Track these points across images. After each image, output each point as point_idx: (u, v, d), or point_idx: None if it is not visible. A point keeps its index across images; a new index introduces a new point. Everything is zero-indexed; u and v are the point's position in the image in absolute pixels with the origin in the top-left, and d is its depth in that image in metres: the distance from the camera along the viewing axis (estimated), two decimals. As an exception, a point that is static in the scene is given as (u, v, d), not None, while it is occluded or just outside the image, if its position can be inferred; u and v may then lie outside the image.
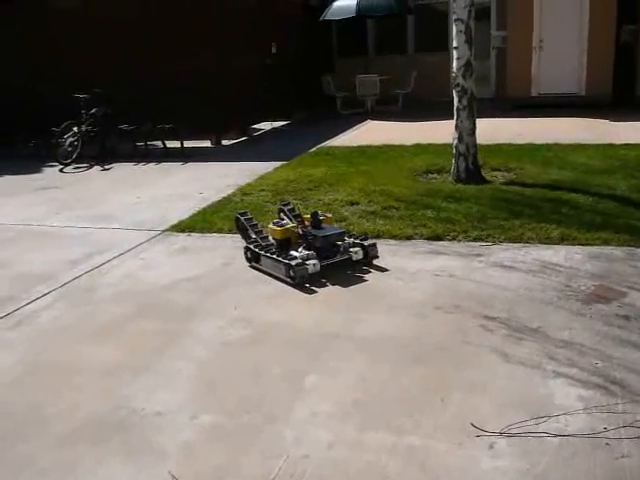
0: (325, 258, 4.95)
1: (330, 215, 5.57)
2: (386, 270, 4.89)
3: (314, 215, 5.23)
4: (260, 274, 5.01)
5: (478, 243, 5.32)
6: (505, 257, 4.97)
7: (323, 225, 5.20)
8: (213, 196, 7.59)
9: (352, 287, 4.64)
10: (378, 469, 2.73)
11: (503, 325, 3.88)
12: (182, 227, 6.40)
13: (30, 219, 7.15)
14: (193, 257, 5.54)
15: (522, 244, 5.23)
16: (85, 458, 2.93)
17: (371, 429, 2.99)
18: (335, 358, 3.65)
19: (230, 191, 7.75)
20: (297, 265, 4.72)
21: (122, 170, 9.93)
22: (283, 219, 5.43)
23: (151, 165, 10.11)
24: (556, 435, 2.85)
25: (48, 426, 3.19)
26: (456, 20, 7.27)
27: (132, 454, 2.94)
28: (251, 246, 5.26)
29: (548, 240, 5.26)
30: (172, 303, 4.57)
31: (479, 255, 5.04)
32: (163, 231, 6.34)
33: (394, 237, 5.62)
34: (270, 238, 5.28)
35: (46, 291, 4.94)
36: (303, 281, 4.74)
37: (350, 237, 5.24)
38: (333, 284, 4.74)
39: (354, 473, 2.71)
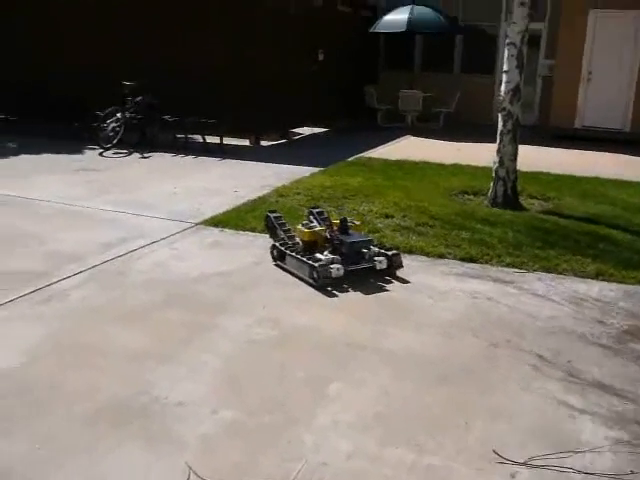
0: (350, 264, 4.97)
1: (359, 223, 5.60)
2: (415, 285, 4.86)
3: (343, 221, 5.27)
4: (289, 276, 5.00)
5: (512, 269, 5.26)
6: (539, 287, 4.90)
7: (350, 232, 5.24)
8: (248, 194, 7.61)
9: (378, 298, 4.62)
10: (396, 485, 2.70)
11: (533, 355, 3.82)
12: (215, 222, 6.43)
13: (68, 198, 7.23)
14: (224, 252, 5.56)
15: (556, 275, 5.16)
16: (105, 439, 2.94)
17: (391, 444, 2.96)
18: (360, 369, 3.63)
19: (265, 191, 7.77)
20: (321, 267, 4.75)
21: (161, 160, 10.02)
22: (312, 222, 5.47)
23: (189, 158, 10.18)
24: (580, 472, 2.80)
25: (70, 405, 3.21)
26: (509, 44, 7.23)
27: (151, 441, 2.94)
28: (277, 244, 5.30)
29: (583, 274, 5.18)
30: (201, 296, 4.59)
31: (512, 282, 4.98)
32: (197, 224, 6.37)
33: (427, 254, 5.58)
34: (297, 239, 5.34)
35: (77, 270, 4.99)
36: (326, 284, 4.76)
37: (375, 246, 5.26)
38: (355, 291, 4.76)
39: (372, 486, 2.69)
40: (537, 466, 2.83)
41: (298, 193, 7.66)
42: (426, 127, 13.88)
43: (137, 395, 3.29)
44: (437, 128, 13.91)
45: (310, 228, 5.29)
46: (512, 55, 7.15)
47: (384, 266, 5.06)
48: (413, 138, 12.87)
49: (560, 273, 5.19)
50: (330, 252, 5.11)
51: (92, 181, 8.26)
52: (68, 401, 3.24)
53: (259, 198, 7.44)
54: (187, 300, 4.51)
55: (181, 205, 7.11)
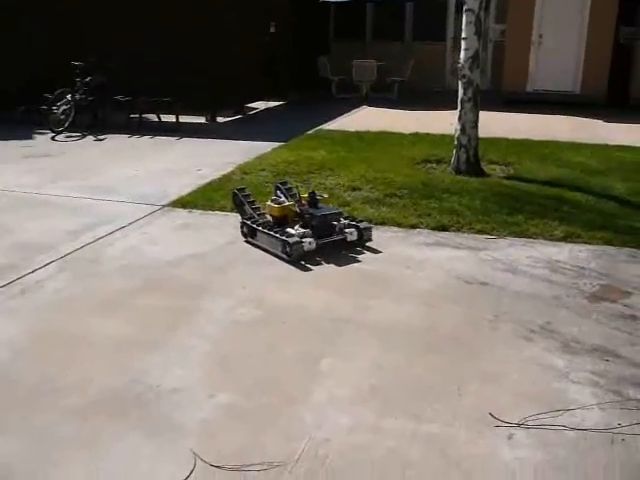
0: (320, 237, 5.01)
1: (326, 196, 5.62)
2: (391, 256, 4.91)
3: (312, 194, 5.30)
4: (264, 254, 4.99)
5: (483, 236, 5.35)
6: (511, 252, 5.01)
7: (320, 205, 5.27)
8: (212, 173, 7.53)
9: (354, 270, 4.66)
10: (400, 455, 2.75)
11: (513, 319, 3.92)
12: (183, 203, 6.35)
13: (25, 186, 7.02)
14: (196, 234, 5.50)
15: (526, 239, 5.27)
16: (105, 432, 2.91)
17: (390, 415, 3.01)
18: (348, 343, 3.66)
19: (229, 169, 7.70)
20: (294, 243, 4.78)
21: (116, 142, 9.80)
22: (280, 197, 5.47)
23: (146, 138, 9.99)
24: (573, 429, 2.90)
25: (63, 398, 3.16)
26: (466, 10, 7.25)
27: (152, 430, 2.92)
28: (248, 222, 5.29)
29: (552, 237, 5.31)
30: (179, 279, 4.54)
31: (485, 249, 5.07)
32: (164, 206, 6.28)
33: (399, 225, 5.63)
34: (267, 215, 5.33)
35: (48, 261, 4.87)
36: (299, 258, 4.80)
37: (345, 219, 5.31)
38: (330, 264, 4.81)
39: (377, 458, 2.73)
40: (531, 426, 2.92)
41: (262, 169, 7.61)
42: (381, 97, 13.88)
43: (130, 384, 3.26)
44: (393, 97, 13.92)
45: (279, 203, 5.29)
46: (470, 22, 7.18)
47: (355, 237, 5.12)
48: (370, 108, 12.89)
49: (530, 237, 5.30)
50: (301, 226, 5.14)
51: (47, 167, 8.03)
52: (60, 394, 3.19)
53: (223, 176, 7.36)
54: (166, 284, 4.46)
55: (144, 187, 6.99)
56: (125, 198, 6.57)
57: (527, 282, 4.45)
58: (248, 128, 10.94)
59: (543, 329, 3.81)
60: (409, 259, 4.87)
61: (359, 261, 4.87)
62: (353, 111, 12.42)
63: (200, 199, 6.42)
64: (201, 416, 3.01)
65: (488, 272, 4.60)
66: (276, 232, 5.00)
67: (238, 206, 5.63)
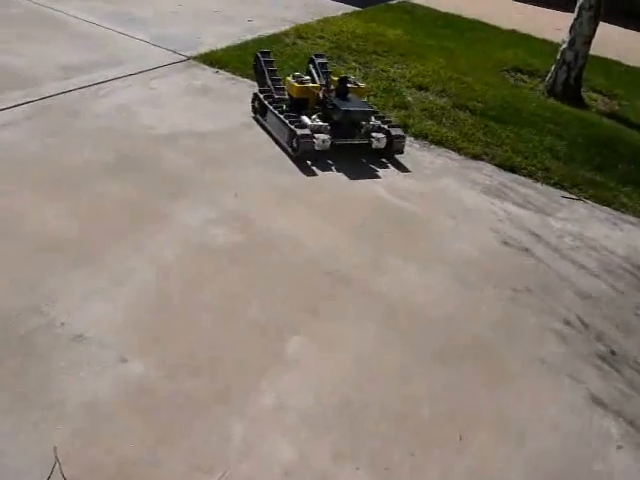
0: (340, 136, 4.03)
1: (364, 85, 4.50)
2: (435, 192, 3.83)
3: (342, 80, 4.17)
4: (280, 152, 3.96)
5: (559, 191, 4.19)
6: (588, 225, 3.86)
7: (350, 95, 4.16)
8: (263, 28, 6.35)
9: (376, 198, 3.60)
10: None
11: (562, 322, 2.89)
12: (213, 58, 5.26)
13: (45, -5, 5.99)
14: (211, 104, 4.46)
15: (612, 211, 4.10)
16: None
17: (351, 461, 2.11)
18: (336, 316, 2.70)
19: (284, 27, 6.49)
20: (303, 137, 3.80)
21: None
22: (310, 73, 4.40)
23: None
24: None
25: None
26: None
27: (20, 402, 2.08)
28: (261, 95, 4.27)
29: (645, 214, 4.13)
30: (162, 164, 3.58)
31: (555, 212, 3.93)
32: (189, 58, 5.21)
33: (458, 150, 4.49)
34: (286, 93, 4.29)
35: (22, 100, 3.97)
36: (306, 157, 3.90)
37: (377, 119, 4.26)
38: (344, 176, 3.86)
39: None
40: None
41: (321, 37, 6.37)
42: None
43: (25, 312, 2.41)
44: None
45: (301, 82, 4.20)
46: None
47: (382, 145, 4.12)
48: (472, -12, 11.09)
49: (617, 209, 4.12)
50: (320, 117, 4.10)
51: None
52: None
53: (274, 35, 6.18)
54: (141, 168, 3.51)
55: (179, 28, 5.90)
56: (149, 37, 5.51)
57: (594, 279, 3.36)
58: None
59: (615, 357, 2.78)
60: (457, 202, 3.79)
61: (384, 184, 3.82)
62: (452, -13, 10.68)
63: (235, 58, 5.31)
64: (89, 396, 2.13)
65: (550, 250, 3.51)
66: (287, 117, 4.00)
67: (258, 73, 4.55)
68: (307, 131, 3.86)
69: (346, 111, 3.97)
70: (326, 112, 4.08)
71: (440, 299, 2.93)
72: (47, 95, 4.09)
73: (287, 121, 3.96)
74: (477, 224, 3.61)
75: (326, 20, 6.99)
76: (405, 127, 4.61)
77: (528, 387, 2.54)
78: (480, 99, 5.44)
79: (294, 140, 3.85)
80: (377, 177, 3.92)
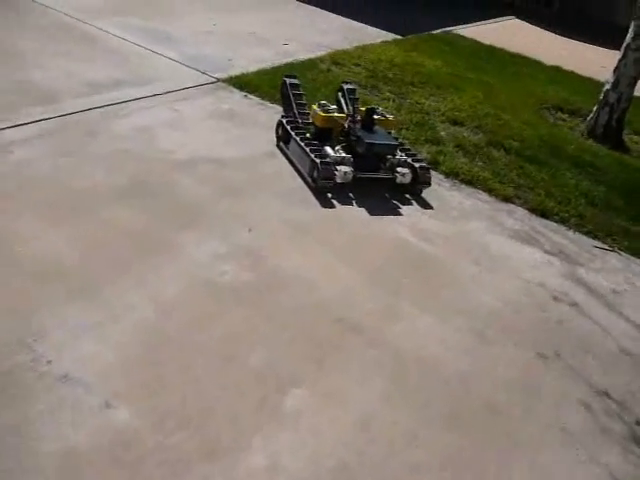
0: (364, 169, 3.88)
1: (392, 117, 4.32)
2: (460, 235, 3.64)
3: (369, 111, 4.02)
4: (302, 185, 3.81)
5: (591, 241, 3.97)
6: (621, 279, 3.63)
7: (376, 128, 4.02)
8: (298, 52, 6.25)
9: (397, 239, 3.42)
10: None
11: (593, 396, 2.67)
12: (244, 82, 5.15)
13: (76, 9, 5.97)
14: (236, 129, 4.34)
15: (649, 264, 3.86)
16: None
17: None
18: (344, 369, 2.53)
19: (320, 53, 6.38)
20: (323, 165, 3.66)
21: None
22: (338, 101, 4.26)
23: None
24: None
25: None
26: None
27: (-12, 444, 1.95)
28: (284, 121, 4.15)
29: (685, 270, 3.87)
30: (176, 190, 3.46)
31: (586, 263, 3.71)
32: (219, 80, 5.11)
33: (489, 191, 4.29)
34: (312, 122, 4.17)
35: (40, 117, 3.89)
36: (326, 189, 3.75)
37: (404, 152, 4.12)
38: (365, 212, 3.71)
39: None
40: None
41: (357, 64, 6.25)
42: (536, 10, 11.79)
43: (12, 346, 2.28)
44: (549, 14, 11.80)
45: (327, 111, 4.06)
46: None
47: (407, 181, 3.96)
48: (518, 21, 10.90)
49: (655, 263, 3.88)
50: (343, 148, 3.96)
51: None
52: None
53: (309, 60, 6.07)
54: (153, 194, 3.38)
55: (211, 49, 5.82)
56: (181, 56, 5.44)
57: (625, 340, 3.13)
58: (372, 5, 9.32)
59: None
60: (481, 248, 3.59)
61: (407, 224, 3.64)
62: (497, 19, 10.50)
63: (265, 82, 5.19)
64: (69, 443, 1.99)
65: (580, 305, 3.29)
66: (309, 145, 3.87)
67: (284, 99, 4.43)
68: (328, 161, 3.72)
69: (370, 144, 3.82)
70: (350, 143, 3.94)
71: (455, 355, 2.73)
72: (67, 112, 4.02)
73: (308, 149, 3.82)
74: (502, 272, 3.41)
75: (364, 47, 6.87)
76: (435, 164, 4.44)
77: (541, 460, 2.32)
78: (516, 137, 5.24)
79: (315, 171, 3.71)
80: (400, 215, 3.75)
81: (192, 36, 6.03)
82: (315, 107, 4.10)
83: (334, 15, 8.13)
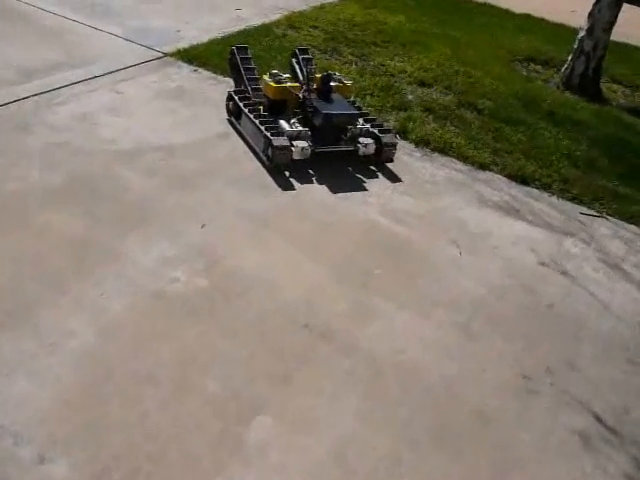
0: (322, 142, 3.56)
1: (350, 83, 4.00)
2: (434, 212, 3.34)
3: (325, 77, 3.68)
4: (260, 168, 3.48)
5: (577, 206, 3.70)
6: (612, 248, 3.37)
7: (334, 96, 3.68)
8: (252, 17, 5.84)
9: (365, 221, 3.12)
10: None
11: (600, 389, 2.42)
12: (193, 55, 4.76)
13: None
14: (185, 109, 3.97)
15: (638, 228, 3.60)
16: None
17: None
18: (313, 384, 2.24)
19: (276, 16, 5.97)
20: (279, 147, 3.35)
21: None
22: (294, 70, 3.92)
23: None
24: None
25: None
26: None
27: None
28: (236, 97, 3.79)
29: (677, 232, 3.62)
30: (119, 186, 3.10)
31: (574, 233, 3.44)
32: (166, 54, 4.71)
33: (464, 159, 3.99)
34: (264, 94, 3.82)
35: (-37, 111, 3.49)
36: (282, 167, 3.45)
37: (366, 121, 3.78)
38: (327, 190, 3.40)
39: None
40: None
41: (315, 26, 5.85)
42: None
43: None
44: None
45: (278, 81, 3.72)
46: None
47: (370, 151, 3.64)
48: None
49: (645, 226, 3.63)
50: (299, 121, 3.63)
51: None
52: None
53: (263, 25, 5.66)
54: (93, 193, 3.03)
55: (158, 20, 5.40)
56: (124, 30, 5.01)
57: (619, 324, 2.87)
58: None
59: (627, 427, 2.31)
60: (459, 226, 3.30)
61: (376, 204, 3.34)
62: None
63: (216, 54, 4.80)
64: (-6, 515, 1.70)
65: (570, 284, 3.02)
66: (263, 121, 3.53)
67: (234, 71, 4.06)
68: (283, 140, 3.38)
69: (327, 115, 3.49)
70: (306, 115, 3.60)
71: (437, 357, 2.46)
72: (-3, 104, 3.62)
73: (261, 125, 3.48)
74: (483, 253, 3.12)
75: (322, 7, 6.46)
76: (404, 132, 4.12)
77: (543, 476, 2.07)
78: (489, 96, 4.93)
79: (269, 149, 3.39)
80: (367, 193, 3.44)
81: (137, 6, 5.58)
82: (266, 77, 3.75)
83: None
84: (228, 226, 2.96)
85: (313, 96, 3.60)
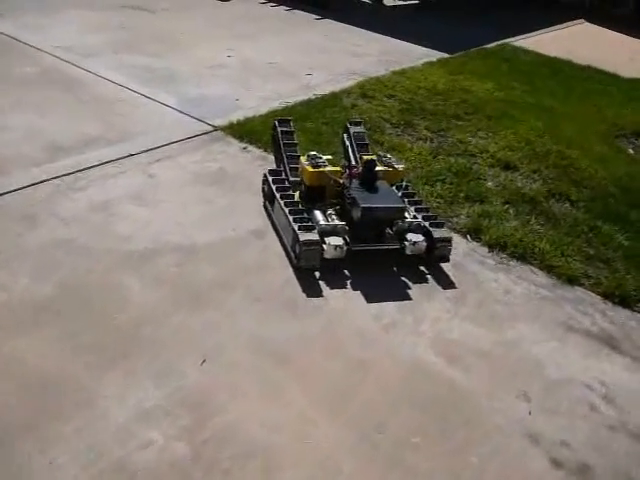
0: (361, 240, 2.97)
1: (402, 167, 3.39)
2: (502, 343, 2.64)
3: (368, 164, 3.08)
4: (294, 279, 2.90)
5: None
6: None
7: (379, 183, 3.08)
8: (322, 85, 5.37)
9: (406, 353, 2.45)
10: None
11: None
12: (246, 129, 4.30)
13: (75, 50, 5.28)
14: (223, 198, 3.48)
15: None
16: None
17: None
18: None
19: (348, 83, 5.46)
20: (306, 244, 2.78)
21: (241, 7, 7.72)
22: (345, 149, 3.43)
23: (280, 9, 7.83)
24: None
25: None
26: None
27: None
28: (270, 178, 3.28)
29: None
30: (115, 300, 2.61)
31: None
32: (217, 128, 4.28)
33: (548, 268, 3.25)
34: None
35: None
36: (310, 267, 2.87)
37: (419, 211, 3.19)
38: (365, 302, 2.80)
39: None
40: None
41: (391, 95, 5.28)
42: (611, 12, 10.44)
43: None
44: (626, 14, 10.45)
45: (316, 165, 3.14)
46: None
47: (420, 250, 3.02)
48: (589, 25, 9.60)
49: None
50: (337, 212, 3.08)
51: (127, 28, 6.20)
52: None
53: (332, 94, 5.15)
54: (81, 310, 2.54)
55: (219, 86, 5.04)
56: (178, 100, 4.65)
57: None
58: (419, 21, 8.30)
59: None
60: (534, 368, 2.57)
61: (427, 332, 2.65)
62: (564, 24, 9.23)
63: (271, 129, 4.29)
64: None
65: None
66: (294, 211, 3.00)
67: (275, 147, 3.59)
68: (311, 236, 2.82)
69: (367, 208, 2.89)
70: (344, 207, 3.02)
71: None
72: (11, 189, 3.25)
73: (291, 218, 2.94)
74: (564, 410, 2.39)
75: (402, 73, 5.89)
76: (476, 232, 3.45)
77: None
78: (586, 183, 4.17)
79: (296, 246, 2.85)
80: (420, 318, 2.78)
81: (199, 71, 5.24)
82: (303, 159, 3.20)
83: (370, 33, 7.16)
84: (235, 362, 2.39)
85: (355, 184, 3.02)
